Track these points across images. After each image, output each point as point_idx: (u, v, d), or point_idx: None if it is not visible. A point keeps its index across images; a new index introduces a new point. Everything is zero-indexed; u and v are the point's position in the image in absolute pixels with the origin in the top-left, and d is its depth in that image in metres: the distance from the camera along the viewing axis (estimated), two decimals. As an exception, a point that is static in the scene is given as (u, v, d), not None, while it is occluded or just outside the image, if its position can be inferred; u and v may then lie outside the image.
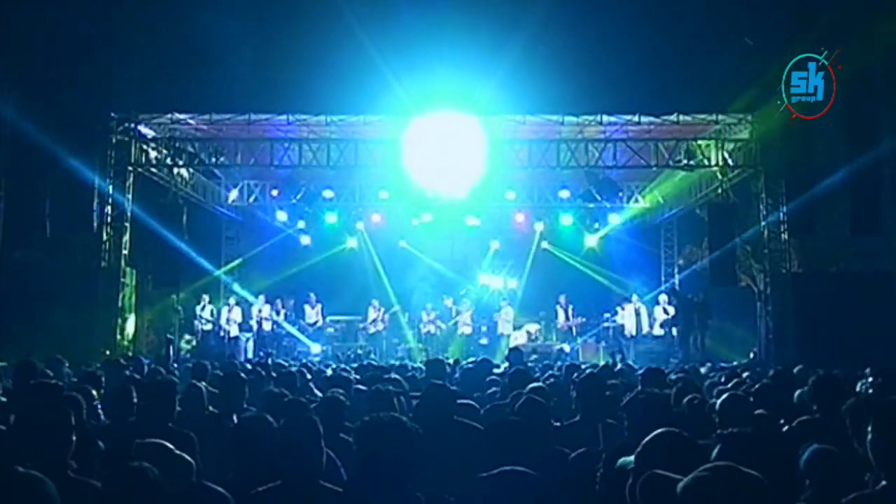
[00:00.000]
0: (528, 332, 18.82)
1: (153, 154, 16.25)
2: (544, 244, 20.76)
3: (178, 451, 3.39)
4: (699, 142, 16.11)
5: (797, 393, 6.23)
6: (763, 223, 15.63)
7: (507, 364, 9.39)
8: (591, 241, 20.47)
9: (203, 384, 6.27)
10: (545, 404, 4.82)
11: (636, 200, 19.91)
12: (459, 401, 5.53)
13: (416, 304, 19.35)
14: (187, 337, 17.69)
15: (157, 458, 3.34)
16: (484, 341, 18.67)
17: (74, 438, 3.66)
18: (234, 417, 5.30)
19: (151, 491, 2.89)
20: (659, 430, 2.99)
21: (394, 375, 7.48)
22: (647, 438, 2.95)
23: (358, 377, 7.60)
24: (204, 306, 17.92)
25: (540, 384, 5.75)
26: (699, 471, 2.19)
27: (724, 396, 4.96)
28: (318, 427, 3.58)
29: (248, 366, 9.94)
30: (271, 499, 3.37)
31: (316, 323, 18.84)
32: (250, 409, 5.47)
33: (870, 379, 7.76)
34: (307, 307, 18.94)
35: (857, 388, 7.06)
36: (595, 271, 20.58)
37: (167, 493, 2.94)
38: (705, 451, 2.95)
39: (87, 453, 3.94)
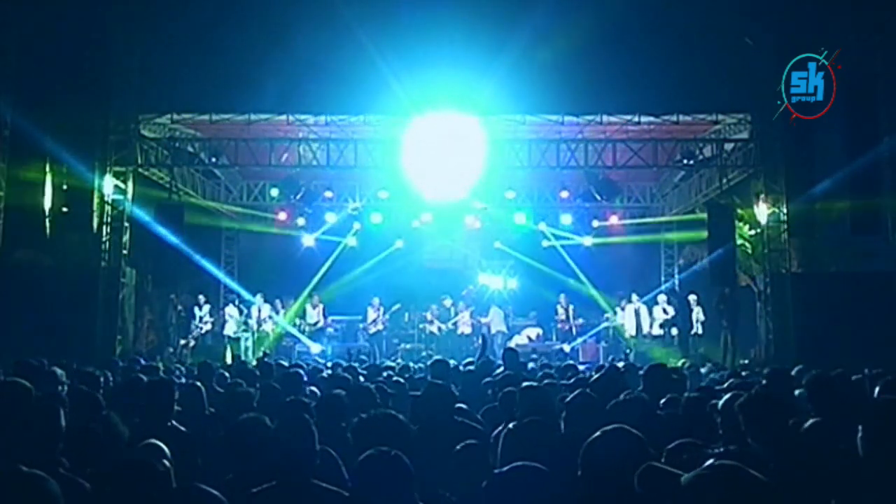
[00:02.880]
0: (529, 338, 18.77)
1: (153, 154, 16.25)
2: (545, 243, 20.75)
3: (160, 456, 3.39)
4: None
5: (796, 393, 6.21)
6: (763, 223, 15.62)
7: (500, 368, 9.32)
8: (591, 240, 20.43)
9: (201, 384, 6.26)
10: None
11: (636, 200, 19.88)
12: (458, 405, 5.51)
13: (415, 305, 19.33)
14: (182, 342, 17.67)
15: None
16: (482, 341, 18.63)
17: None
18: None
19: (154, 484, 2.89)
20: (606, 428, 2.99)
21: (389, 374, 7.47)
22: (593, 436, 2.95)
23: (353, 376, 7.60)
24: (201, 306, 17.91)
25: (534, 383, 5.72)
26: (703, 467, 2.22)
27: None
28: (310, 427, 3.60)
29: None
30: (267, 499, 3.38)
31: (317, 323, 18.79)
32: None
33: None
34: (308, 307, 18.88)
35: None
36: (594, 271, 20.53)
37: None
38: (651, 453, 2.95)
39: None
